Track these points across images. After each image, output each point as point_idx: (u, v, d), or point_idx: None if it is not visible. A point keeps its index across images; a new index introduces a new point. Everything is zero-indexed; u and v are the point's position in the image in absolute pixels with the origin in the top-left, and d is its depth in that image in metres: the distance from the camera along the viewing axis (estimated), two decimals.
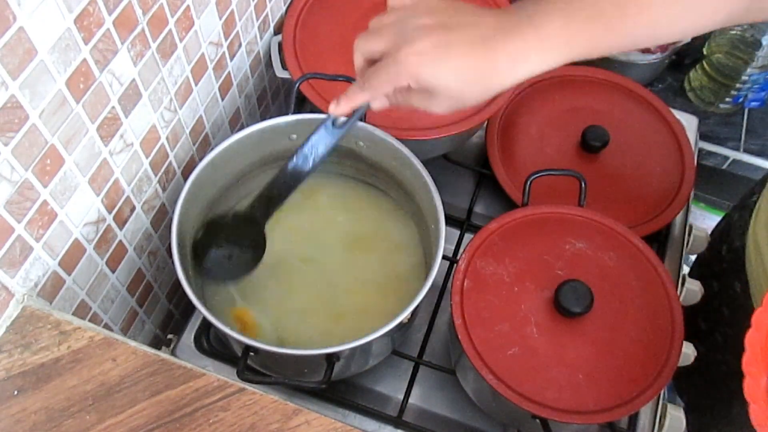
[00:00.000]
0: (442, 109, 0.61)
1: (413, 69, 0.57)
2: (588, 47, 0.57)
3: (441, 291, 0.88)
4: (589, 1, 0.56)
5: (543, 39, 0.56)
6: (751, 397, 0.47)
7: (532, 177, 0.81)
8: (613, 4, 0.56)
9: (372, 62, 0.62)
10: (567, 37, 0.56)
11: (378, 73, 0.60)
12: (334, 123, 0.69)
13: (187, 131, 0.83)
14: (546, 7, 0.57)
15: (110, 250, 0.75)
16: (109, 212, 0.72)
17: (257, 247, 0.75)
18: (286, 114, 0.79)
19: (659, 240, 0.95)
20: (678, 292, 0.85)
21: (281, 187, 0.71)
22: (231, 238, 0.75)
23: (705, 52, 1.31)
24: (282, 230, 0.84)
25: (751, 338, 0.49)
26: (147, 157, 0.76)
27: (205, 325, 0.84)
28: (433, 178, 0.75)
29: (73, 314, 0.71)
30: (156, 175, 0.79)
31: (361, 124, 0.78)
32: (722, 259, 0.93)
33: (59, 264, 0.66)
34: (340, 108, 0.64)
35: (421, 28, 0.58)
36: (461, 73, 0.57)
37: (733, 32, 1.28)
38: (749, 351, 0.49)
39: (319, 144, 0.70)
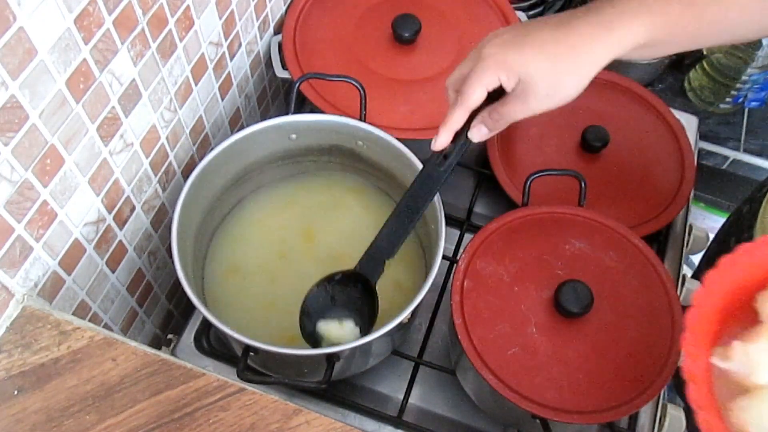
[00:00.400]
0: (541, 103, 0.61)
1: (500, 58, 0.58)
2: (667, 29, 0.57)
3: (441, 291, 0.87)
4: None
5: (621, 12, 0.56)
6: (690, 376, 0.47)
7: (532, 177, 0.81)
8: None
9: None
10: (646, 14, 0.56)
11: (469, 81, 0.61)
12: (437, 164, 0.67)
13: (187, 131, 0.83)
14: (628, 5, 0.57)
15: (110, 250, 0.75)
16: (109, 212, 0.72)
17: (371, 306, 0.71)
18: (286, 114, 0.79)
19: (659, 240, 0.95)
20: (678, 292, 0.85)
21: (387, 240, 0.69)
22: (341, 302, 0.72)
23: (705, 52, 1.31)
24: (280, 229, 0.84)
25: (691, 318, 0.49)
26: (147, 157, 0.76)
27: (205, 325, 0.84)
28: None
29: (73, 314, 0.71)
30: (156, 175, 0.79)
31: (360, 123, 0.78)
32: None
33: (59, 264, 0.66)
34: (440, 139, 0.65)
35: (500, 35, 0.60)
36: (547, 50, 0.57)
37: None
38: (689, 331, 0.49)
39: (423, 190, 0.68)
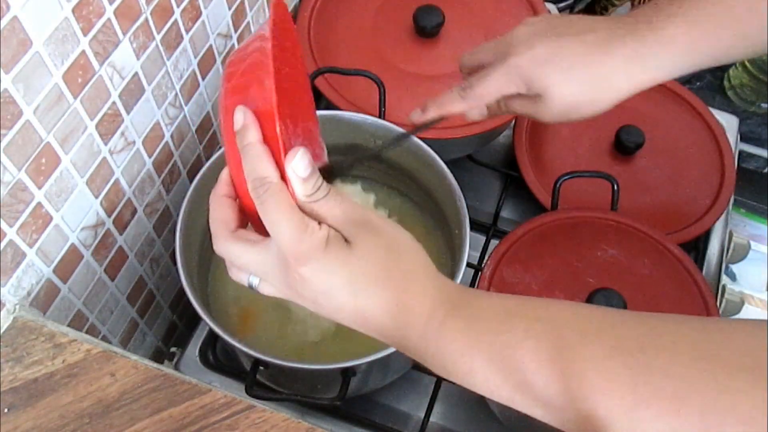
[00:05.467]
0: (551, 117, 0.61)
1: (526, 73, 0.57)
2: (714, 54, 0.56)
3: None
4: (721, 4, 0.54)
5: (663, 43, 0.55)
6: None
7: (562, 179, 0.82)
8: (749, 9, 0.54)
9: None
10: (690, 43, 0.55)
11: (485, 80, 0.60)
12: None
13: (194, 129, 0.83)
14: (669, 10, 0.55)
15: (109, 257, 0.74)
16: (109, 216, 0.72)
17: None
18: None
19: (697, 248, 0.95)
20: (717, 303, 0.84)
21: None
22: None
23: None
24: None
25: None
26: (150, 157, 0.75)
27: (212, 337, 0.83)
28: (457, 180, 0.74)
29: (69, 325, 0.70)
30: (159, 176, 0.79)
31: (380, 121, 0.79)
32: None
33: (54, 271, 0.66)
34: (427, 114, 0.64)
35: (531, 35, 0.58)
36: (575, 75, 0.57)
37: None
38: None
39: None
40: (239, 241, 0.47)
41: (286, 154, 0.44)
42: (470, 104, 0.62)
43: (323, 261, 0.43)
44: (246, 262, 0.47)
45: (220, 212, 0.47)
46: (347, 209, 0.45)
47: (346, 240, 0.44)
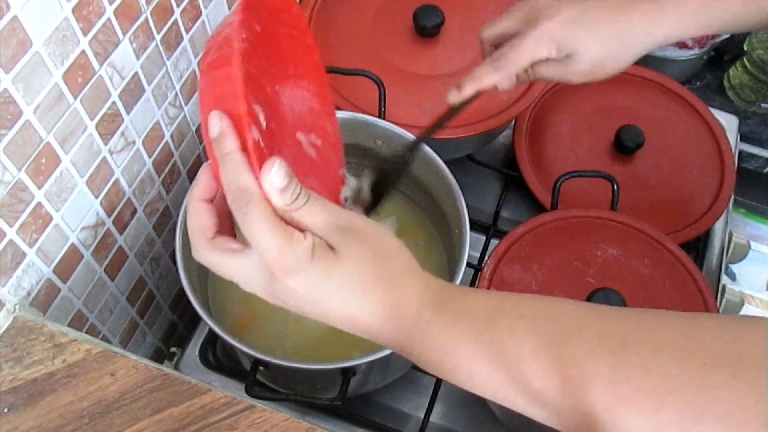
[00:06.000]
0: (579, 77, 0.65)
1: (557, 35, 0.61)
2: (725, 18, 0.61)
3: None
4: None
5: (677, 4, 0.60)
6: None
7: (562, 179, 0.81)
8: None
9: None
10: (701, 3, 0.60)
11: (518, 47, 0.63)
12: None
13: (194, 129, 0.82)
14: None
15: (109, 257, 0.74)
16: (109, 215, 0.72)
17: None
18: None
19: (697, 248, 0.95)
20: (717, 303, 0.84)
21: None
22: None
23: (746, 48, 1.32)
24: None
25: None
26: (150, 157, 0.75)
27: (212, 337, 0.83)
28: (457, 180, 0.74)
29: (69, 325, 0.70)
30: (159, 176, 0.78)
31: (379, 121, 0.78)
32: None
33: (54, 271, 0.66)
34: (464, 91, 0.66)
35: (555, 1, 0.62)
36: (601, 33, 0.62)
37: None
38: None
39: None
40: (218, 251, 0.45)
41: (261, 165, 0.42)
42: (503, 74, 0.64)
43: (310, 272, 0.42)
44: (228, 271, 0.45)
45: (197, 220, 0.46)
46: (330, 215, 0.44)
47: (331, 247, 0.44)
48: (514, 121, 0.94)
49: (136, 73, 0.67)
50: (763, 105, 1.32)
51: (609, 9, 0.62)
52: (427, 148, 0.75)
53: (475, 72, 0.65)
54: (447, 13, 0.88)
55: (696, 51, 1.23)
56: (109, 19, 0.59)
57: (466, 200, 0.72)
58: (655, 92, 0.98)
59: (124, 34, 0.62)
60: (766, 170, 1.35)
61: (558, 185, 0.81)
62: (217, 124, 0.42)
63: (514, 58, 0.63)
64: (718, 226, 0.95)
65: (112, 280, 0.76)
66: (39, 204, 0.60)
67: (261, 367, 0.66)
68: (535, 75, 0.66)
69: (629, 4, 0.62)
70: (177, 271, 0.68)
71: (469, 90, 0.65)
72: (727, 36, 1.24)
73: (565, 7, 0.63)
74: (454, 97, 0.66)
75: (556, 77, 0.66)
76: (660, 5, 0.61)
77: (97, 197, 0.68)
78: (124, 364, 0.58)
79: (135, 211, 0.76)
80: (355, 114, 0.79)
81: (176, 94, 0.75)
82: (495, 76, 0.64)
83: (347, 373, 0.66)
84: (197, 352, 0.82)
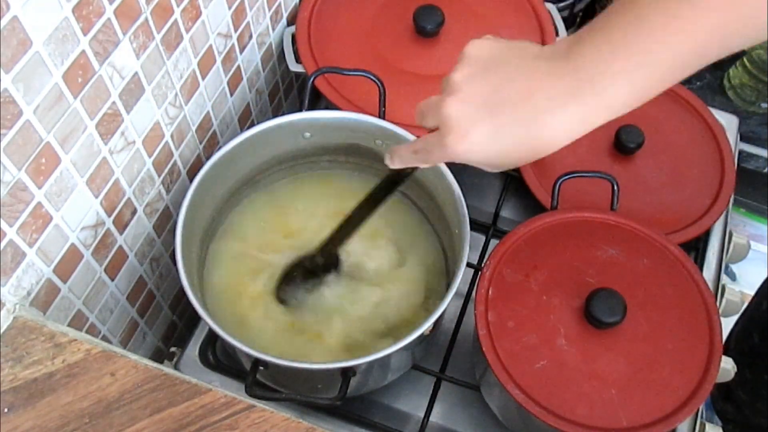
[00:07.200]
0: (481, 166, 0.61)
1: (462, 156, 0.57)
2: (651, 96, 0.55)
3: (465, 301, 0.86)
4: (666, 58, 0.51)
5: (606, 107, 0.53)
6: None
7: (562, 179, 0.81)
8: (696, 54, 0.51)
9: None
10: (633, 101, 0.53)
11: (426, 152, 0.60)
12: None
13: (194, 129, 0.83)
14: (612, 68, 0.52)
15: (109, 257, 0.74)
16: (109, 215, 0.72)
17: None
18: (300, 111, 0.79)
19: (697, 248, 0.94)
20: (717, 303, 0.83)
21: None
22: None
23: (745, 49, 1.29)
24: (292, 234, 0.84)
25: None
26: (150, 157, 0.75)
27: (211, 337, 0.83)
28: (457, 180, 0.74)
29: (69, 325, 0.70)
30: (159, 176, 0.78)
31: (379, 121, 0.78)
32: None
33: (54, 271, 0.66)
34: (393, 165, 0.65)
35: (467, 105, 0.55)
36: (510, 153, 0.57)
37: None
38: None
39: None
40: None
41: None
42: (425, 165, 0.63)
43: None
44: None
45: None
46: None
47: None
48: None
49: (136, 73, 0.67)
50: (763, 105, 1.33)
51: (525, 125, 0.54)
52: None
53: (402, 151, 0.63)
54: (447, 14, 0.88)
55: None
56: (109, 19, 0.59)
57: (466, 200, 0.72)
58: None
59: (124, 34, 0.62)
60: (766, 170, 1.36)
61: (558, 185, 0.80)
62: None
63: (436, 158, 0.60)
64: (718, 226, 0.94)
65: (112, 280, 0.76)
66: (39, 204, 0.60)
67: (261, 367, 0.66)
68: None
69: (548, 111, 0.54)
70: (177, 271, 0.68)
71: (397, 166, 0.64)
72: None
73: (476, 128, 0.55)
74: (388, 163, 0.65)
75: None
76: (586, 107, 0.53)
77: (97, 197, 0.68)
78: (124, 363, 0.58)
79: (135, 211, 0.76)
80: (355, 114, 0.79)
81: (176, 94, 0.75)
82: (417, 162, 0.62)
83: (347, 373, 0.66)
84: (197, 352, 0.82)
